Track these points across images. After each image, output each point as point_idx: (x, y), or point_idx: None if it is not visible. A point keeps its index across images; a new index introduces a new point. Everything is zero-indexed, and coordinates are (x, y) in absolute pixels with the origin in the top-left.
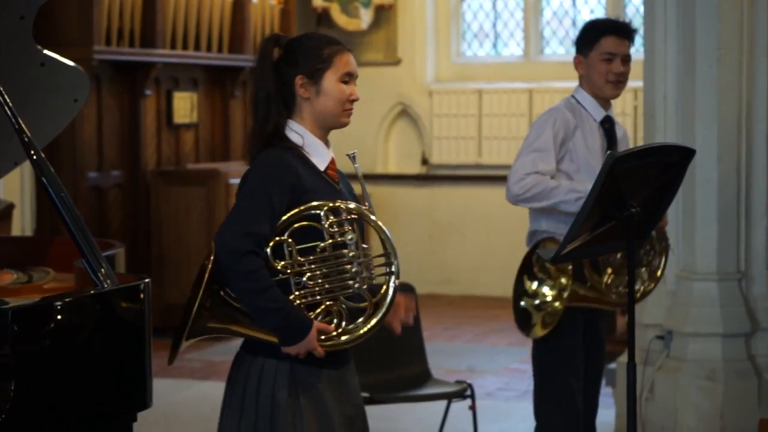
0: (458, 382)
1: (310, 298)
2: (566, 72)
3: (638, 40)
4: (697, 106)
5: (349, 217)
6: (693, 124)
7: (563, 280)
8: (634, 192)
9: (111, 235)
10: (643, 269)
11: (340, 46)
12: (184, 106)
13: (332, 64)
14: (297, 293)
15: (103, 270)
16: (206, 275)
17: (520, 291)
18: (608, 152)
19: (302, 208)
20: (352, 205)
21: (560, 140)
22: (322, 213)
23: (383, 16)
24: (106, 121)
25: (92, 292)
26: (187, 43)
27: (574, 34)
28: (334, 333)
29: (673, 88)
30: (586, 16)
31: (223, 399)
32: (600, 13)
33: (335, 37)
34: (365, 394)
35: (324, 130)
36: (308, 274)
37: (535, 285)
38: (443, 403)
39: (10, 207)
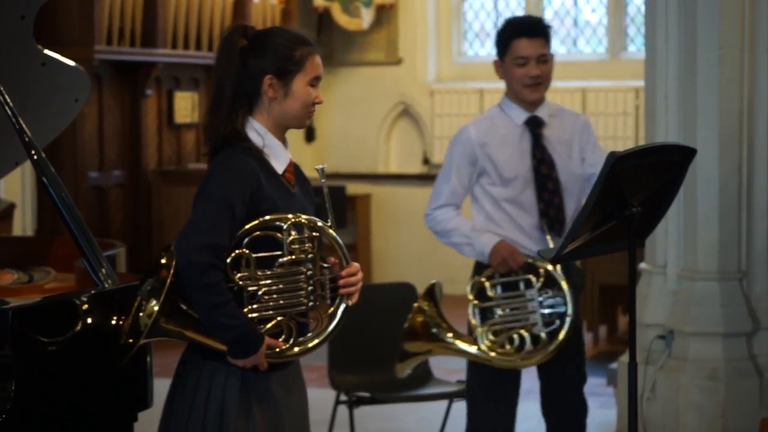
0: (459, 381)
1: (263, 313)
2: (567, 71)
3: (638, 39)
4: (698, 106)
5: (310, 234)
6: (694, 123)
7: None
8: (635, 191)
9: (112, 234)
10: (527, 330)
11: (312, 48)
12: (185, 105)
13: (303, 68)
14: (250, 306)
15: (103, 270)
16: (167, 283)
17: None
18: (610, 152)
19: (266, 219)
20: (308, 219)
21: (466, 163)
22: (285, 226)
23: (384, 15)
24: (107, 121)
25: (93, 292)
26: (188, 43)
27: (575, 33)
28: (283, 347)
29: (675, 87)
30: (587, 16)
31: (166, 400)
32: (602, 13)
33: (305, 36)
34: (366, 394)
35: (283, 130)
36: (264, 289)
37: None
38: (445, 402)
39: (11, 207)
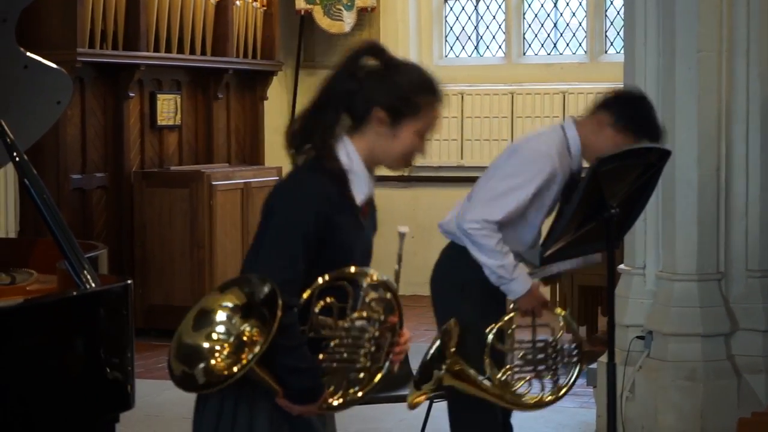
0: None
1: (327, 363)
2: (547, 74)
3: (618, 42)
4: (677, 108)
5: (383, 295)
6: (673, 126)
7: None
8: (614, 193)
9: (94, 236)
10: (548, 375)
11: (436, 98)
12: (168, 108)
13: (418, 115)
14: (319, 355)
15: (85, 271)
16: (274, 328)
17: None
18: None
19: (350, 271)
20: (386, 282)
21: (542, 181)
22: (364, 284)
23: (366, 18)
24: (89, 123)
25: (75, 293)
26: (170, 45)
27: (555, 36)
28: (330, 399)
29: (653, 90)
30: (567, 18)
31: (194, 418)
32: (581, 16)
33: (435, 84)
34: None
35: (374, 163)
36: (336, 341)
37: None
38: (425, 403)
39: None
